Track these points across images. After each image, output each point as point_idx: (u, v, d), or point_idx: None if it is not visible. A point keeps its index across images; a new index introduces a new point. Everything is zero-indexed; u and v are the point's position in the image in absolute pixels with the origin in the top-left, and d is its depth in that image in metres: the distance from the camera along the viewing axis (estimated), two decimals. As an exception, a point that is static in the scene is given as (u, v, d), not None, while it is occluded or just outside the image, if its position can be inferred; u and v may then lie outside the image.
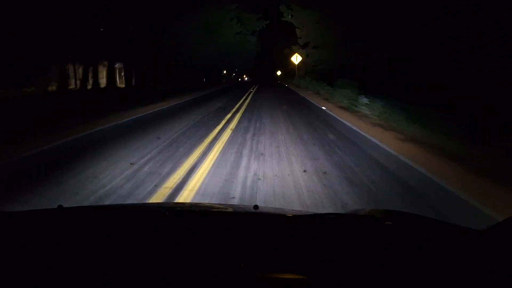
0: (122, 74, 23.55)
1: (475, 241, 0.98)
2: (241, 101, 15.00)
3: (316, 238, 0.99)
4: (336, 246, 0.93)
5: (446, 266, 0.82)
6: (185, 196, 3.42)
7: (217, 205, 2.38)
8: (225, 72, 61.54)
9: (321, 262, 0.83)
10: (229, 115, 9.83)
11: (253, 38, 42.96)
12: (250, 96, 18.04)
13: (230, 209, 1.64)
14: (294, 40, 30.90)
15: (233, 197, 3.44)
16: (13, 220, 1.11)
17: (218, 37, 30.14)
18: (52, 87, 18.81)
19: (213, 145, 5.78)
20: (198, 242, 0.94)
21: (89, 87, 20.42)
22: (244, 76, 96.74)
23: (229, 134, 6.85)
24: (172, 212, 1.32)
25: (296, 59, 28.67)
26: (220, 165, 4.55)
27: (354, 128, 7.80)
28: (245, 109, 11.62)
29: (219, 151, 5.37)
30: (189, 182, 3.86)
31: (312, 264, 0.81)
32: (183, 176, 4.05)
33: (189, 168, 4.40)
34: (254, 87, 29.37)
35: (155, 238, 0.97)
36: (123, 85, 23.59)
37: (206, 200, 3.32)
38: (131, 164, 4.56)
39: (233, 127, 7.73)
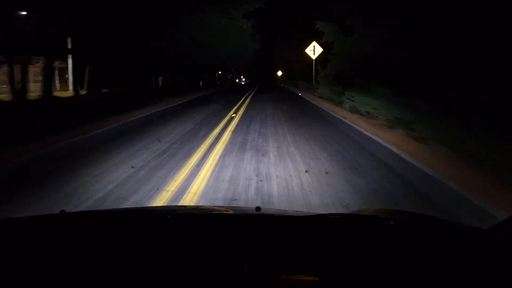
0: (67, 76, 17.44)
1: (476, 240, 0.99)
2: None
3: (320, 239, 0.98)
4: (341, 247, 0.92)
5: (447, 265, 0.82)
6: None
7: (219, 207, 2.38)
8: (220, 72, 56.81)
9: (330, 262, 0.82)
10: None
11: (247, 24, 32.78)
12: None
13: (232, 211, 1.65)
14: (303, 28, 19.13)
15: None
16: (15, 226, 1.10)
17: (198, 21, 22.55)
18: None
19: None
20: (201, 244, 0.93)
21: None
22: (242, 77, 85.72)
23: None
24: (175, 215, 1.32)
25: (313, 51, 18.41)
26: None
27: None
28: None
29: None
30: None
31: (319, 265, 0.81)
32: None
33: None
34: (247, 98, 17.60)
35: (158, 241, 0.97)
36: (70, 93, 16.99)
37: None
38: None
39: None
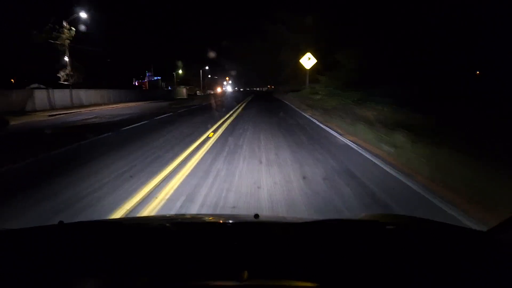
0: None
1: (476, 243, 1.00)
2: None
3: (319, 245, 0.99)
4: (341, 252, 0.93)
5: (448, 268, 0.83)
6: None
7: (218, 215, 2.38)
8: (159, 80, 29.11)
9: (328, 268, 0.83)
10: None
11: None
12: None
13: (231, 219, 1.64)
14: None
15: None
16: (14, 237, 1.10)
17: None
18: None
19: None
20: (202, 252, 0.94)
21: None
22: (227, 79, 43.38)
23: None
24: (174, 224, 1.32)
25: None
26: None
27: None
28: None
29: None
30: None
31: (318, 270, 0.82)
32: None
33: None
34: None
35: (158, 250, 0.98)
36: None
37: None
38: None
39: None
